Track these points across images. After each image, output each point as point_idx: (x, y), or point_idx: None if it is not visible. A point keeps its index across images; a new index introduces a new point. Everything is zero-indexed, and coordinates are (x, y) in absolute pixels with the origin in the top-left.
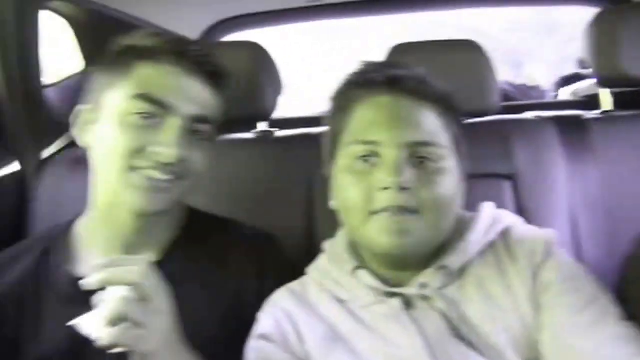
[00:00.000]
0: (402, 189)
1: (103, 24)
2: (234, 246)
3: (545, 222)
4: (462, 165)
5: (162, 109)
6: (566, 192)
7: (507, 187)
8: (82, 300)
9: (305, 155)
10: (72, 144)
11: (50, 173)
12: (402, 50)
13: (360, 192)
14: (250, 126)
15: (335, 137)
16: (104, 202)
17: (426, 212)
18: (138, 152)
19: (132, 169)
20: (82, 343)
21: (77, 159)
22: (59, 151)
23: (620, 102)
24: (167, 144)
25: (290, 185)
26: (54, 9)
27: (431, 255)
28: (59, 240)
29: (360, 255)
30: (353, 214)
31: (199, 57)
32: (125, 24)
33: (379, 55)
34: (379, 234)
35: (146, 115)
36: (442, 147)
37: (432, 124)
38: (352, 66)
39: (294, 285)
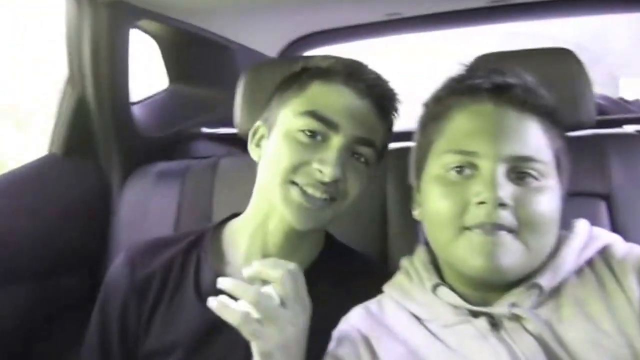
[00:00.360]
0: (500, 204)
1: (188, 42)
2: (359, 276)
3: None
4: (563, 184)
5: (327, 127)
6: None
7: (602, 206)
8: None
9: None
10: (156, 158)
11: (134, 186)
12: (489, 60)
13: (452, 205)
14: None
15: (426, 146)
16: (259, 212)
17: (524, 232)
18: (299, 167)
19: (292, 183)
20: (210, 335)
21: (161, 173)
22: (144, 165)
23: None
24: (327, 162)
25: (365, 201)
26: (143, 27)
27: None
28: (207, 236)
29: (440, 272)
30: (442, 228)
31: (369, 79)
32: (208, 42)
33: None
34: (470, 253)
35: (311, 133)
36: (545, 164)
37: (536, 138)
38: (448, 73)
39: (371, 303)
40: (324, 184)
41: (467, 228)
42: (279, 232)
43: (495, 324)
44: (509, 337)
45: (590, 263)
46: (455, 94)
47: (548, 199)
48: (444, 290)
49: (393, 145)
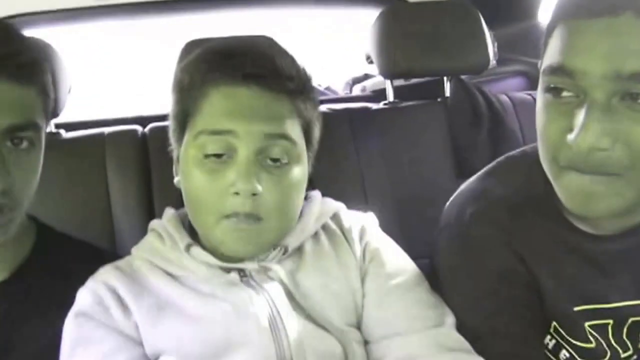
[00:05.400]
0: (253, 194)
1: None
2: (78, 261)
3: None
4: (312, 151)
5: None
6: (357, 177)
7: None
8: None
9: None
10: None
11: None
12: (195, 46)
13: (211, 193)
14: None
15: (182, 118)
16: None
17: (273, 217)
18: None
19: None
20: None
21: None
22: None
23: (403, 95)
24: None
25: (86, 189)
26: None
27: None
28: None
29: (193, 232)
30: (201, 213)
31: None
32: None
33: None
34: (229, 240)
35: None
36: (294, 143)
37: (287, 117)
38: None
39: (120, 263)
40: None
41: (226, 216)
42: None
43: (245, 276)
44: (255, 283)
45: (324, 226)
46: (210, 73)
47: (295, 179)
48: (197, 250)
49: (109, 129)
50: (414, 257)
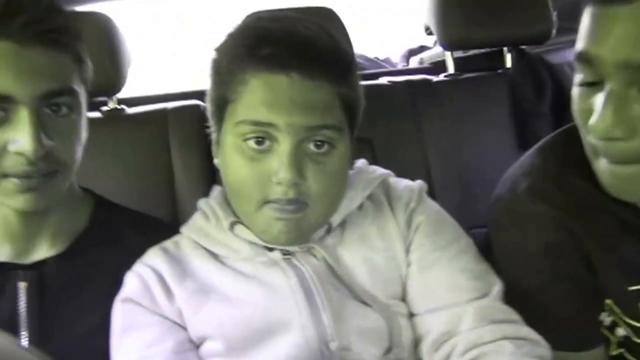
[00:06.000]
0: (295, 184)
1: None
2: (133, 232)
3: (402, 176)
4: (353, 132)
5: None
6: (419, 148)
7: (366, 149)
8: None
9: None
10: None
11: None
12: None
13: (252, 180)
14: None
15: (222, 103)
16: None
17: (317, 203)
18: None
19: (4, 176)
20: None
21: None
22: None
23: (462, 66)
24: (21, 140)
25: (149, 161)
26: None
27: None
28: None
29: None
30: (242, 198)
31: (25, 16)
32: None
33: None
34: (269, 226)
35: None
36: (336, 129)
37: (327, 103)
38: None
39: (167, 243)
40: (31, 163)
41: (267, 202)
42: (13, 215)
43: (287, 254)
44: (297, 261)
45: (370, 196)
46: (248, 59)
47: (339, 164)
48: (240, 228)
49: (172, 104)
50: (472, 227)
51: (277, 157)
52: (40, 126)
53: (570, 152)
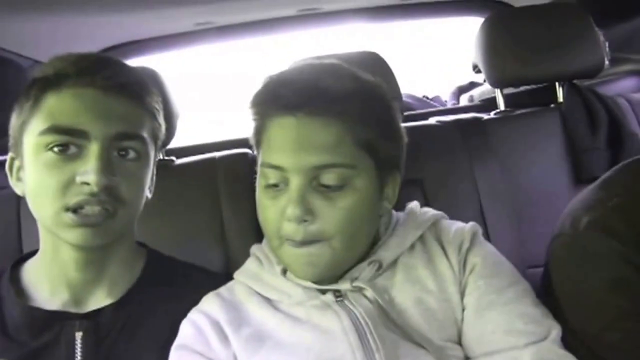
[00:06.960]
0: (304, 220)
1: None
2: (185, 284)
3: (455, 217)
4: (385, 168)
5: (76, 137)
6: (472, 188)
7: (417, 190)
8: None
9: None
10: None
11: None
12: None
13: (272, 217)
14: None
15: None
16: (48, 246)
17: (333, 239)
18: (65, 188)
19: (65, 210)
20: None
21: None
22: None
23: (512, 102)
24: (90, 172)
25: (200, 215)
26: None
27: (364, 253)
28: (4, 278)
29: None
30: (271, 236)
31: (108, 70)
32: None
33: None
34: (293, 264)
35: (61, 148)
36: (350, 166)
37: (337, 142)
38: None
39: (222, 290)
40: (95, 195)
41: (285, 240)
42: (72, 260)
43: (340, 296)
44: (350, 303)
45: (421, 237)
46: (264, 105)
47: (354, 200)
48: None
49: (220, 154)
50: (528, 266)
51: (288, 195)
52: (107, 162)
53: (631, 184)
